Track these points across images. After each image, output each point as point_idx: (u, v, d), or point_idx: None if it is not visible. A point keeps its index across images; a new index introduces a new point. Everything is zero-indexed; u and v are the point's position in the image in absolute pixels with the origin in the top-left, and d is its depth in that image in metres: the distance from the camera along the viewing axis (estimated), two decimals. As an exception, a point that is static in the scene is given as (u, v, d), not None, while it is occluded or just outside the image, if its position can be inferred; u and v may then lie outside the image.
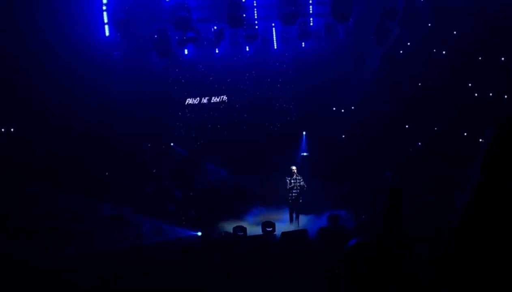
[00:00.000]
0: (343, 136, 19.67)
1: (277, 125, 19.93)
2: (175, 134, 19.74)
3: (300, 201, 16.28)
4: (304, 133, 20.05)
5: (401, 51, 19.08)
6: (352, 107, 19.78)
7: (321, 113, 19.38)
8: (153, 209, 16.75)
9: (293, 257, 12.21)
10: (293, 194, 16.25)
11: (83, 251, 12.46)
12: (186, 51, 19.32)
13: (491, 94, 18.04)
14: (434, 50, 18.65)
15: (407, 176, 16.66)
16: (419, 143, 18.98)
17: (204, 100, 19.43)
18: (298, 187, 16.24)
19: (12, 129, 17.02)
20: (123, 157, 17.67)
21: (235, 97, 19.81)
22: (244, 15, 17.90)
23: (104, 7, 17.91)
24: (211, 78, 19.65)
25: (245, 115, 19.70)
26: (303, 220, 16.52)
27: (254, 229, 15.10)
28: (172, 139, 19.76)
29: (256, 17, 18.81)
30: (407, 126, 19.18)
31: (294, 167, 16.57)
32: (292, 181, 16.44)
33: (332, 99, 19.56)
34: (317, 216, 16.46)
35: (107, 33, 18.04)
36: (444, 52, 18.79)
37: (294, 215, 16.34)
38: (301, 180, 16.35)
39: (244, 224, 15.33)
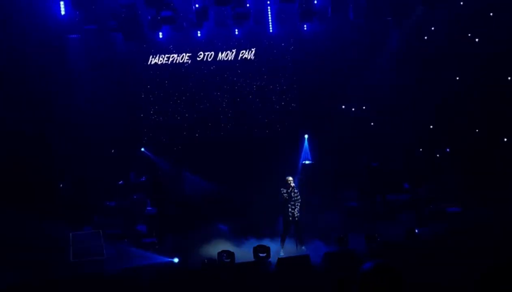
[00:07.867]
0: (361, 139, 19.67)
1: (275, 126, 20.13)
2: (145, 137, 19.58)
3: (296, 218, 15.72)
4: (306, 136, 19.87)
5: (425, 37, 19.14)
6: (364, 107, 19.88)
7: (327, 112, 19.39)
8: (117, 229, 16.78)
9: (293, 290, 12.57)
10: (291, 209, 15.73)
11: (25, 281, 12.63)
12: (160, 34, 19.12)
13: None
14: (469, 35, 18.43)
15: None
16: (447, 149, 19.41)
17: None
18: (297, 201, 15.82)
19: None
20: (78, 165, 17.67)
21: (220, 91, 19.72)
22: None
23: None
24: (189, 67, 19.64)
25: (230, 115, 19.79)
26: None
27: (244, 254, 15.00)
28: (142, 144, 19.56)
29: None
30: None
31: (290, 178, 15.85)
32: (290, 195, 15.84)
33: (339, 95, 19.49)
34: (321, 239, 16.25)
35: (62, 11, 17.73)
36: (478, 40, 18.45)
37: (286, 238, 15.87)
38: (298, 195, 15.90)
39: (231, 248, 15.21)
